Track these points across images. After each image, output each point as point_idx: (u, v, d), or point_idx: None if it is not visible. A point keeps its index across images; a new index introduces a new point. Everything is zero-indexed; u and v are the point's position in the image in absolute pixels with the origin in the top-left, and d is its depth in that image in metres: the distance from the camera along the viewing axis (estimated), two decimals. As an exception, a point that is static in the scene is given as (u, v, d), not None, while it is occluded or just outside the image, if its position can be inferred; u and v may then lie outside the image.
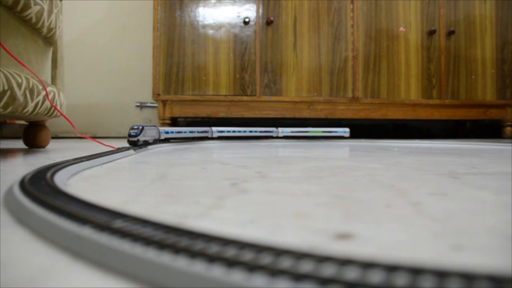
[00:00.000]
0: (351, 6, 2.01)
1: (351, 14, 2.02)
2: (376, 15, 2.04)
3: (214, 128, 1.45)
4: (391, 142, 1.68)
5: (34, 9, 0.94)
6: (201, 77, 1.91)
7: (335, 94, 2.00)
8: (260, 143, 1.53)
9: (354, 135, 2.35)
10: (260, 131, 1.61)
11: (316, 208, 0.33)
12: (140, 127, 1.00)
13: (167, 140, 1.30)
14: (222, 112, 1.92)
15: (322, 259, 0.16)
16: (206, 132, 1.40)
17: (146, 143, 1.06)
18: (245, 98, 1.92)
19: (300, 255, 0.17)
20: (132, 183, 0.49)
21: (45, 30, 1.05)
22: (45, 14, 1.01)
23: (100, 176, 0.55)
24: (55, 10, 1.10)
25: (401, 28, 2.04)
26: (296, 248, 0.17)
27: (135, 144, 0.97)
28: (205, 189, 0.43)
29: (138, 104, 2.35)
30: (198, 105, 1.91)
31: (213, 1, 1.93)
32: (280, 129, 1.68)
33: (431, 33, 2.07)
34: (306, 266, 0.16)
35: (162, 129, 1.28)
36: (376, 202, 0.37)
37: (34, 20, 0.97)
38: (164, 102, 1.89)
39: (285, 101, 1.96)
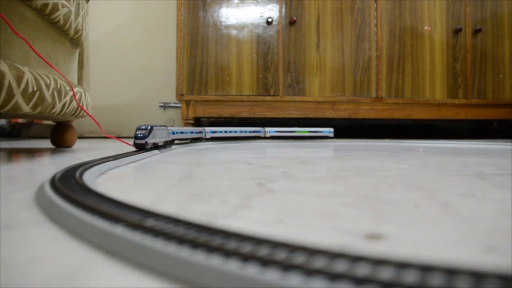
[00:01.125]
0: (375, 5, 1.99)
1: (375, 13, 2.00)
2: (400, 14, 2.01)
3: (207, 129, 1.40)
4: (416, 143, 1.66)
5: (62, 12, 0.96)
6: (224, 77, 1.91)
7: (358, 94, 1.98)
8: (252, 143, 1.52)
9: (377, 135, 2.33)
10: (249, 131, 1.57)
11: (344, 208, 0.33)
12: (149, 127, 0.86)
13: (172, 142, 1.18)
14: (245, 112, 1.93)
15: (356, 259, 0.16)
16: (201, 132, 1.35)
17: (155, 146, 0.93)
18: (268, 98, 1.92)
19: (333, 255, 0.17)
20: (159, 182, 0.49)
21: (72, 32, 1.07)
22: (72, 16, 1.03)
23: (127, 175, 0.55)
24: (81, 12, 1.12)
25: (426, 27, 2.02)
26: (329, 247, 0.17)
27: (143, 147, 0.84)
28: (231, 188, 0.43)
29: (162, 104, 2.38)
30: (222, 105, 1.92)
31: (236, 2, 1.93)
32: (267, 129, 1.65)
33: (457, 31, 2.03)
34: (341, 266, 0.16)
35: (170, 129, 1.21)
36: (404, 202, 0.36)
37: (61, 22, 0.98)
38: (187, 102, 1.91)
39: (308, 101, 1.95)
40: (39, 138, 2.25)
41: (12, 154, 0.99)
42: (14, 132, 2.35)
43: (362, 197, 0.39)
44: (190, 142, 1.31)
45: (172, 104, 2.37)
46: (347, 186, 0.46)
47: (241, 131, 1.53)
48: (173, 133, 1.12)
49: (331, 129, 1.75)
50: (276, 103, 1.94)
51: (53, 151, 1.06)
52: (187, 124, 1.90)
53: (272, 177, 0.52)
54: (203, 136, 1.38)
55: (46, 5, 0.89)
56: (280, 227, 0.27)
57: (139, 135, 0.83)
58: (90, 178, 0.47)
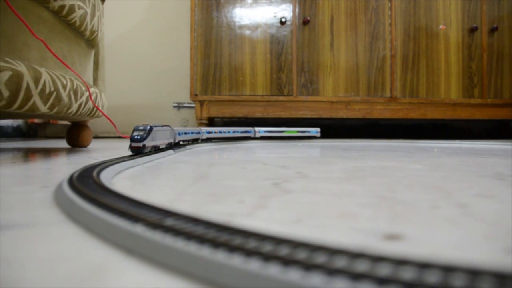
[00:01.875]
0: (389, 4, 1.98)
1: (389, 13, 1.98)
2: (415, 13, 2.00)
3: (203, 129, 1.35)
4: (431, 143, 1.64)
5: (78, 13, 0.97)
6: (238, 77, 1.92)
7: (372, 93, 1.97)
8: (244, 144, 1.49)
9: (391, 135, 2.31)
10: (241, 131, 1.51)
11: (361, 209, 0.33)
12: (148, 128, 0.75)
13: (177, 144, 1.07)
14: (259, 112, 1.93)
15: (377, 259, 0.16)
16: (198, 133, 1.29)
17: (156, 149, 0.82)
18: (281, 98, 1.92)
19: (354, 255, 0.17)
20: (175, 182, 0.50)
21: (88, 33, 1.08)
22: (88, 18, 1.04)
23: (143, 175, 0.56)
24: (97, 13, 1.13)
25: (441, 26, 2.00)
26: (349, 247, 0.17)
27: (140, 151, 0.72)
28: (247, 188, 0.43)
29: (176, 104, 2.39)
30: (235, 105, 1.92)
31: (249, 2, 1.94)
32: (257, 129, 1.60)
33: (473, 30, 2.01)
34: (362, 266, 0.16)
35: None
36: (421, 203, 0.36)
37: (78, 23, 1.00)
38: (201, 103, 1.91)
39: (322, 101, 1.95)
40: (54, 138, 2.27)
41: (29, 153, 1.01)
42: (31, 132, 2.38)
43: (379, 197, 0.39)
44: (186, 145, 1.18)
45: (186, 104, 2.38)
46: (363, 186, 0.46)
47: (234, 131, 1.48)
48: (179, 133, 1.01)
49: (318, 129, 1.73)
50: (290, 103, 1.94)
51: (69, 151, 1.08)
52: (201, 124, 1.91)
53: (287, 177, 0.52)
54: (200, 137, 1.29)
55: (62, 6, 0.90)
56: (298, 227, 0.27)
57: (135, 137, 0.72)
58: (107, 178, 0.48)
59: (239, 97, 1.91)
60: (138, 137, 0.72)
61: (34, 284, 0.18)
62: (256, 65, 1.93)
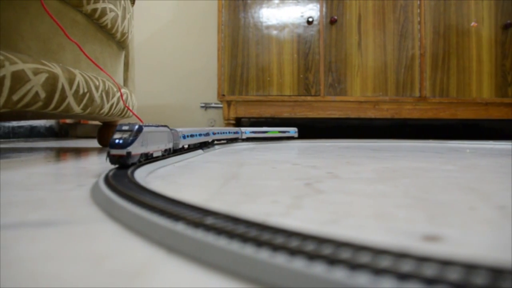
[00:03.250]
0: (418, 2, 1.95)
1: (418, 11, 1.95)
2: (445, 11, 1.96)
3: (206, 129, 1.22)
4: (462, 143, 1.61)
5: (109, 16, 0.99)
6: (265, 77, 1.92)
7: (401, 93, 1.94)
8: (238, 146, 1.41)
9: (420, 136, 2.28)
10: (229, 132, 1.34)
11: (397, 210, 0.33)
12: (135, 128, 0.54)
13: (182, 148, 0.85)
14: (286, 112, 1.93)
15: (423, 259, 0.16)
16: (208, 135, 1.09)
17: (147, 157, 0.61)
18: (309, 98, 1.92)
19: (399, 255, 0.17)
20: (207, 181, 0.50)
21: (118, 35, 1.10)
22: (119, 20, 1.06)
23: (175, 174, 0.57)
24: (127, 16, 1.15)
25: (473, 23, 1.95)
26: (393, 247, 0.17)
27: (123, 163, 0.51)
28: (280, 188, 0.44)
29: (203, 104, 2.41)
30: (262, 105, 1.93)
31: (276, 2, 1.94)
32: (243, 129, 1.50)
33: (507, 26, 1.96)
34: (408, 266, 0.16)
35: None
36: (458, 204, 0.36)
37: (109, 26, 1.02)
38: (228, 103, 1.92)
39: (350, 101, 1.93)
40: (85, 137, 2.32)
41: (62, 153, 1.03)
42: (62, 132, 2.44)
43: (414, 198, 0.38)
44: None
45: (213, 105, 2.40)
46: (397, 187, 0.45)
47: (235, 132, 1.40)
48: (184, 136, 0.81)
49: (296, 129, 1.67)
50: (317, 103, 1.93)
51: (100, 150, 1.10)
52: (228, 124, 1.92)
53: (318, 177, 0.52)
54: (209, 140, 1.10)
55: (95, 10, 0.92)
56: (335, 227, 0.27)
57: (116, 141, 0.52)
58: (141, 177, 0.49)
59: (266, 97, 1.92)
60: (121, 141, 0.52)
61: (80, 280, 0.18)
62: (283, 65, 1.92)
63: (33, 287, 0.18)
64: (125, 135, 0.53)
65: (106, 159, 0.51)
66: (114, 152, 0.51)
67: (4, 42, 0.64)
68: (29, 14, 0.70)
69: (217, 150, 1.08)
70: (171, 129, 0.72)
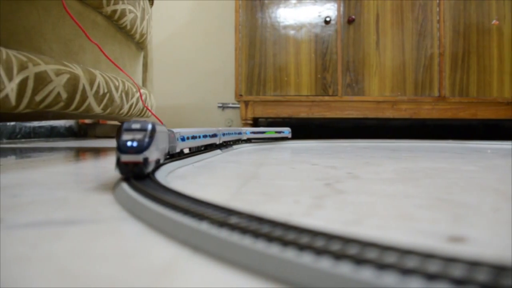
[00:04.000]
0: (437, 1, 1.93)
1: (437, 9, 1.93)
2: (465, 9, 1.93)
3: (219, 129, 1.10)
4: (482, 144, 1.59)
5: (129, 17, 1.00)
6: (283, 77, 1.92)
7: (420, 93, 1.92)
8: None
9: (439, 136, 2.25)
10: (235, 133, 1.23)
11: (419, 210, 0.32)
12: (149, 127, 0.43)
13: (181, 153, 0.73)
14: (303, 112, 1.92)
15: (450, 259, 0.16)
16: (215, 136, 0.96)
17: (158, 164, 0.51)
18: (326, 98, 1.91)
19: (426, 255, 0.16)
20: (228, 181, 0.50)
21: (137, 36, 1.11)
22: (138, 21, 1.07)
23: (195, 174, 0.57)
24: (146, 17, 1.16)
25: (494, 21, 1.92)
26: (419, 248, 0.17)
27: (138, 173, 0.41)
28: (300, 188, 0.44)
29: (220, 105, 2.42)
30: (280, 105, 1.92)
31: (293, 2, 1.93)
32: (243, 129, 1.43)
33: (528, 26, 1.92)
34: (435, 266, 0.15)
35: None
36: (481, 205, 0.35)
37: (128, 27, 1.03)
38: (246, 103, 1.93)
39: (368, 101, 1.92)
40: (104, 137, 2.35)
41: (83, 153, 1.05)
42: (81, 132, 2.47)
43: (436, 199, 0.38)
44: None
45: (230, 105, 2.40)
46: (418, 188, 0.45)
47: (239, 133, 1.32)
48: (183, 138, 0.69)
49: (289, 129, 1.64)
50: (335, 103, 1.92)
51: (120, 151, 1.11)
52: (245, 125, 1.92)
53: (338, 177, 0.52)
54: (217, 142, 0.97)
55: (115, 11, 0.93)
56: (358, 227, 0.27)
57: (129, 144, 0.40)
58: (161, 176, 0.49)
59: (284, 97, 1.91)
60: (134, 144, 0.40)
61: (109, 279, 0.18)
62: (301, 65, 1.92)
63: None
64: (138, 136, 0.41)
65: (116, 169, 0.40)
66: (127, 158, 0.40)
67: (27, 44, 0.65)
68: (52, 16, 0.71)
69: (235, 150, 1.09)
70: (169, 130, 0.60)
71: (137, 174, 0.40)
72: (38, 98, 0.63)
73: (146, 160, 0.40)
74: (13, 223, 0.28)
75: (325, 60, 1.91)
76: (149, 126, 0.43)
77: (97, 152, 1.07)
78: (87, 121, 2.38)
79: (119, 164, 0.40)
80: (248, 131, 1.39)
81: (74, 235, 0.26)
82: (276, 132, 1.55)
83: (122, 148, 0.40)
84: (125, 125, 0.42)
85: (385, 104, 1.92)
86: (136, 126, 0.42)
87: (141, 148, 0.40)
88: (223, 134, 1.08)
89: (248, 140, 1.37)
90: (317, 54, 1.91)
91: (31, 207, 0.34)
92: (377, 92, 1.91)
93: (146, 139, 0.41)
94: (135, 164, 0.40)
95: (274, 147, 1.26)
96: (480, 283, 0.14)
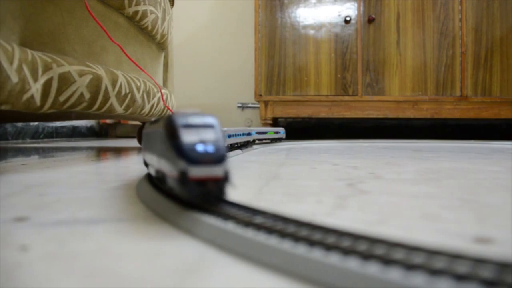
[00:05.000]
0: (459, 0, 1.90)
1: (459, 8, 1.90)
2: (488, 7, 1.90)
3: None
4: (506, 144, 1.56)
5: (150, 18, 1.01)
6: (302, 77, 1.91)
7: (441, 92, 1.90)
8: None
9: (461, 136, 2.21)
10: (243, 134, 1.14)
11: (444, 211, 0.32)
12: (215, 123, 0.30)
13: None
14: (323, 112, 1.91)
15: (479, 260, 0.16)
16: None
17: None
18: (346, 98, 1.90)
19: (454, 256, 0.16)
20: (249, 181, 0.51)
21: (158, 36, 1.12)
22: (159, 22, 1.08)
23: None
24: (167, 18, 1.17)
25: (518, 20, 1.89)
26: (447, 248, 0.17)
27: (219, 195, 0.26)
28: (322, 188, 0.43)
29: (240, 105, 2.42)
30: (300, 105, 1.92)
31: (313, 1, 1.93)
32: (249, 129, 1.38)
33: (553, 24, 1.88)
34: (463, 267, 0.15)
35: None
36: (507, 206, 0.34)
37: (150, 27, 1.04)
38: (266, 103, 1.93)
39: (388, 101, 1.90)
40: (124, 137, 2.38)
41: (105, 152, 1.06)
42: (102, 132, 2.51)
43: (460, 199, 0.37)
44: None
45: (249, 105, 2.41)
46: (441, 188, 0.44)
47: (249, 133, 1.22)
48: (229, 136, 0.72)
49: (283, 129, 1.62)
50: (355, 103, 1.90)
51: (140, 150, 1.12)
52: (265, 125, 1.92)
53: (360, 177, 0.52)
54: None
55: (136, 12, 0.93)
56: (383, 228, 0.27)
57: (202, 148, 0.27)
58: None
59: (304, 97, 1.91)
60: (211, 149, 0.27)
61: (136, 278, 0.19)
62: (321, 65, 1.91)
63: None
64: (208, 135, 0.28)
65: (181, 188, 0.26)
66: (202, 173, 0.26)
67: (51, 45, 0.66)
68: (75, 18, 0.72)
69: (255, 150, 1.09)
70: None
71: (217, 196, 0.27)
72: (62, 98, 0.64)
73: (227, 174, 0.26)
74: (41, 222, 0.29)
75: (345, 60, 1.90)
76: (213, 120, 0.30)
77: (119, 151, 1.09)
78: (108, 121, 2.41)
79: (187, 183, 0.25)
80: (253, 132, 1.38)
81: (100, 234, 0.26)
82: (275, 132, 1.56)
83: (191, 156, 0.26)
84: (180, 120, 0.28)
85: (406, 104, 1.90)
86: (197, 120, 0.29)
87: (221, 154, 0.26)
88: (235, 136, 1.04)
89: (253, 141, 1.33)
90: (337, 53, 1.90)
91: (57, 206, 0.35)
92: (397, 91, 1.89)
93: (221, 140, 0.28)
94: (216, 180, 0.26)
95: (293, 147, 1.26)
96: (510, 285, 0.14)
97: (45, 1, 0.64)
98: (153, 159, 0.36)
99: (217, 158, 0.26)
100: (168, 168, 0.28)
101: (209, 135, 0.27)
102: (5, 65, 0.50)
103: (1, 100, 0.51)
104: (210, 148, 0.26)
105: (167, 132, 0.28)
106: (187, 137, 0.27)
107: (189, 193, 0.26)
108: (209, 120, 0.29)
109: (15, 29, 0.58)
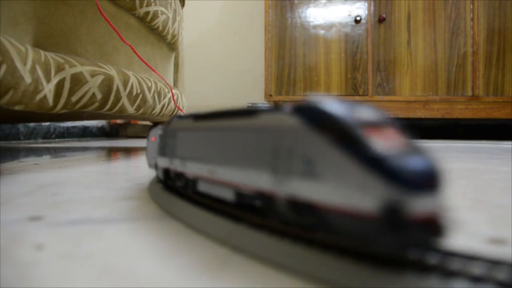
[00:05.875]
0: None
1: (471, 7, 1.89)
2: (500, 5, 1.88)
3: None
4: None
5: (160, 18, 1.02)
6: (312, 77, 1.91)
7: (452, 92, 1.88)
8: None
9: (472, 136, 2.20)
10: None
11: (456, 212, 0.32)
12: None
13: None
14: (332, 112, 1.90)
15: (494, 262, 0.16)
16: None
17: None
18: (357, 98, 1.89)
19: (469, 258, 0.16)
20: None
21: (169, 37, 1.13)
22: (170, 22, 1.09)
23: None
24: (178, 18, 1.17)
25: (530, 19, 1.87)
26: (462, 250, 0.17)
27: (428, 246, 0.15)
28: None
29: (250, 104, 2.42)
30: (309, 105, 1.91)
31: (323, 1, 1.92)
32: None
33: None
34: (479, 269, 0.15)
35: None
36: (521, 207, 0.34)
37: (160, 28, 1.04)
38: (276, 103, 1.93)
39: (399, 101, 1.89)
40: (134, 137, 2.39)
41: (115, 152, 1.07)
42: (113, 132, 2.52)
43: (472, 200, 0.37)
44: None
45: (260, 105, 2.41)
46: (453, 188, 0.44)
47: None
48: None
49: None
50: (365, 103, 1.89)
51: (151, 150, 1.12)
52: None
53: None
54: None
55: (147, 13, 0.94)
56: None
57: (418, 168, 0.16)
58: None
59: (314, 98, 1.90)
60: (428, 164, 0.17)
61: (151, 277, 0.19)
62: (331, 65, 1.91)
63: (106, 283, 0.18)
64: (402, 139, 0.19)
65: (382, 236, 0.15)
66: (429, 206, 0.15)
67: (64, 45, 0.67)
68: (87, 19, 0.73)
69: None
70: None
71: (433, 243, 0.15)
72: (74, 98, 0.64)
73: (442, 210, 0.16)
74: (55, 221, 0.29)
75: (355, 60, 1.89)
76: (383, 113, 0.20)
77: (129, 151, 1.09)
78: (118, 121, 2.43)
79: (400, 225, 0.15)
80: None
81: (114, 233, 0.26)
82: None
83: (408, 177, 0.16)
84: (351, 113, 0.19)
85: (417, 104, 1.89)
86: (369, 114, 0.21)
87: (439, 171, 0.17)
88: None
89: None
90: (347, 53, 1.90)
91: (70, 205, 0.35)
92: (408, 91, 1.88)
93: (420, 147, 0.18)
94: (432, 222, 0.15)
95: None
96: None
97: (58, 2, 0.65)
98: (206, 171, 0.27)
99: (438, 180, 0.16)
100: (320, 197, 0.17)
101: (402, 139, 0.18)
102: (19, 66, 0.51)
103: (15, 101, 0.52)
104: (424, 163, 0.17)
105: (336, 135, 0.18)
106: (381, 144, 0.17)
107: (403, 244, 0.15)
108: (381, 114, 0.19)
109: (28, 30, 0.59)
